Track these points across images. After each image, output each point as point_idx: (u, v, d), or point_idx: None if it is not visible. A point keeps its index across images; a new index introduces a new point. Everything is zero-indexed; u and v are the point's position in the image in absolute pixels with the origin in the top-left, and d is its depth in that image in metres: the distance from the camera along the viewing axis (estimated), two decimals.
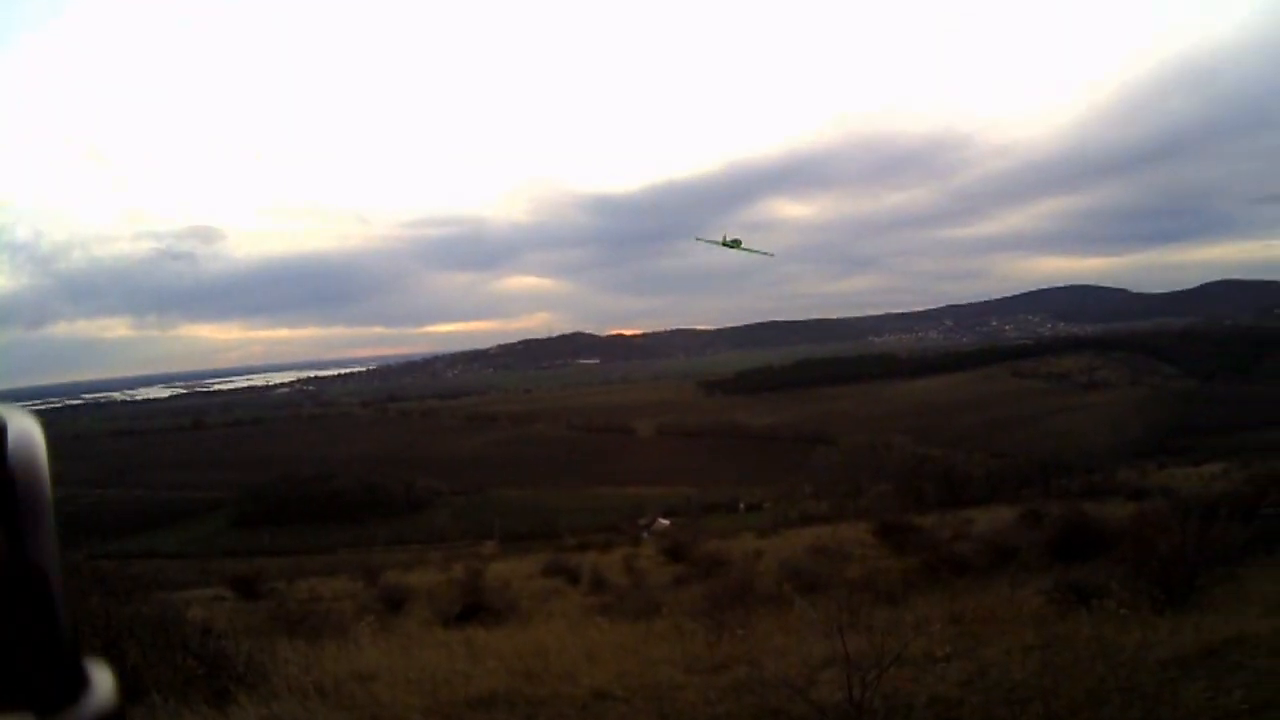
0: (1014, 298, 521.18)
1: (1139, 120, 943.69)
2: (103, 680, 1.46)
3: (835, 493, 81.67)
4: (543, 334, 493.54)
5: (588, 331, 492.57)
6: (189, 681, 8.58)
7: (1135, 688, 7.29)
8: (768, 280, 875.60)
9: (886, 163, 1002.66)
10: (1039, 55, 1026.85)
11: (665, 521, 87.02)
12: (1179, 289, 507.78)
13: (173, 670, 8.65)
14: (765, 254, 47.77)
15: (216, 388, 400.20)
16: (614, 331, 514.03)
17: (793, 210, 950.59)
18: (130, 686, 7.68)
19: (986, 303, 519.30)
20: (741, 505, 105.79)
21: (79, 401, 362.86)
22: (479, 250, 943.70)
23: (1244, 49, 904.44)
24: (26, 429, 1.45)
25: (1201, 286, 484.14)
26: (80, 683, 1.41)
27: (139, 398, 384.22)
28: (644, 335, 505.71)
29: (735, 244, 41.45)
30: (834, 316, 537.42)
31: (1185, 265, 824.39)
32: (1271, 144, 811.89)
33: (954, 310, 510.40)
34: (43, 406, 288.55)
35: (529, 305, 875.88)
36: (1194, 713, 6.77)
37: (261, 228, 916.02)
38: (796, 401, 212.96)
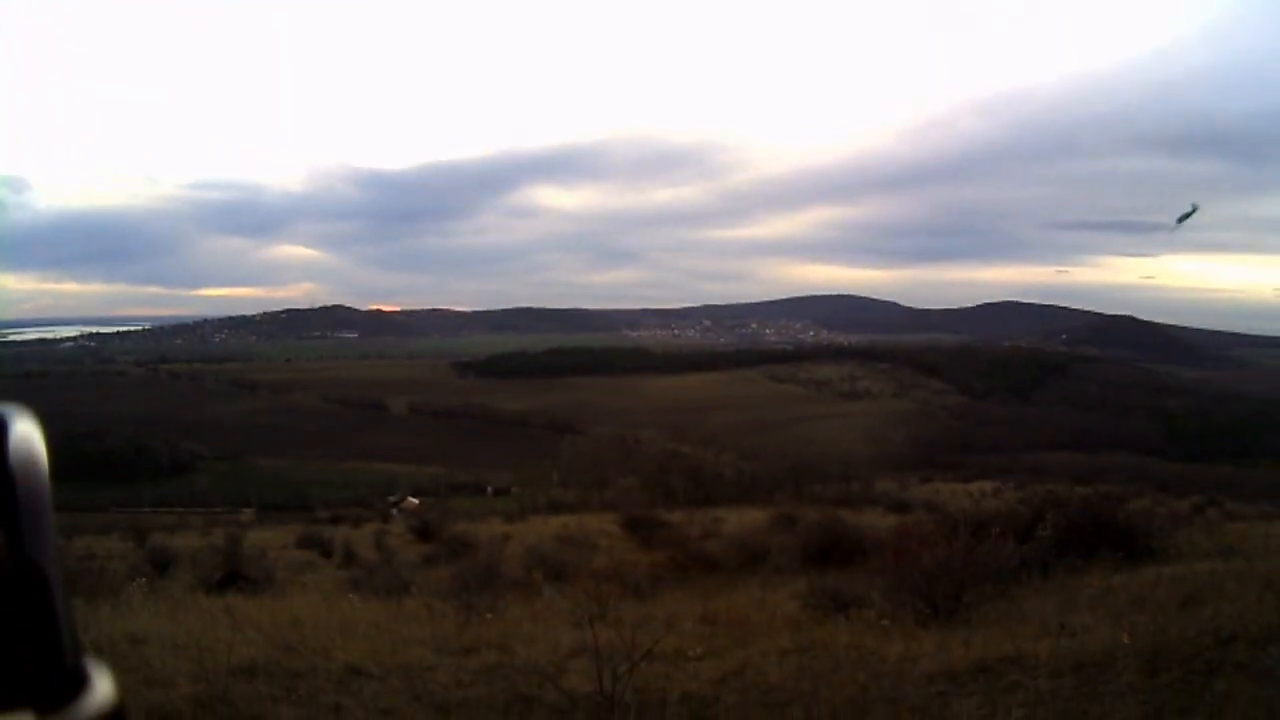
0: (777, 302, 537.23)
1: (932, 138, 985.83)
2: (102, 680, 1.48)
3: (583, 483, 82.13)
4: (305, 304, 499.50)
5: (349, 305, 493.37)
6: None
7: (901, 699, 7.27)
8: (526, 266, 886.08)
9: (657, 159, 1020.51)
10: (848, 69, 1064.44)
11: (414, 500, 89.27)
12: (957, 306, 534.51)
13: None
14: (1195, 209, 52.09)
15: (13, 337, 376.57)
16: (374, 307, 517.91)
17: (557, 199, 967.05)
18: None
19: (748, 305, 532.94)
20: (489, 489, 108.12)
21: None
22: (253, 216, 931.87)
23: (1049, 78, 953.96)
24: (27, 429, 1.49)
25: (982, 306, 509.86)
26: (80, 682, 1.44)
27: None
28: (402, 312, 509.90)
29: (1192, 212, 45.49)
30: (591, 307, 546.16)
31: (966, 284, 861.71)
32: (1070, 170, 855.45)
33: (713, 310, 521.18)
34: None
35: (295, 275, 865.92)
36: None
37: (63, 181, 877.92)
38: (548, 389, 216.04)
